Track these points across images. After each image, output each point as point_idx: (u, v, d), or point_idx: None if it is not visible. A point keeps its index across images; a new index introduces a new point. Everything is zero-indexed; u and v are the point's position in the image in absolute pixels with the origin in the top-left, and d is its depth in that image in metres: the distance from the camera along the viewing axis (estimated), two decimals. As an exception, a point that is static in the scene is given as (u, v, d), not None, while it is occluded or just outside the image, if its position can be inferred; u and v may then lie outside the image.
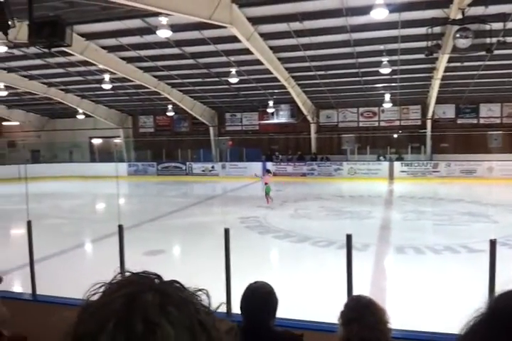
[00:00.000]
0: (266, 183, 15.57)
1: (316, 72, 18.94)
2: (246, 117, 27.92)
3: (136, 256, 6.73)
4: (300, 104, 23.33)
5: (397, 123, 25.33)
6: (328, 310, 2.82)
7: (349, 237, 3.28)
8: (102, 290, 0.66)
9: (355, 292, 3.18)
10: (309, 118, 25.35)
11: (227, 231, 3.70)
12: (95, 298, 0.65)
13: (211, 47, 16.32)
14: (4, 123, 29.59)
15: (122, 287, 0.64)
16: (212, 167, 26.33)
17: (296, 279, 6.90)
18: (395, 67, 17.18)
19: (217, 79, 20.55)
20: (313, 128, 25.87)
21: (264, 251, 9.65)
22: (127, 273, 0.69)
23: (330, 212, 13.62)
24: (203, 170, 26.38)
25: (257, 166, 24.82)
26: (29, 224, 4.45)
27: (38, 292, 4.47)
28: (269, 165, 25.02)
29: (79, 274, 7.35)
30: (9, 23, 6.66)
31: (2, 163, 27.24)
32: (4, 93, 21.82)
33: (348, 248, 3.29)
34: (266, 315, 2.11)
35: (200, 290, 0.68)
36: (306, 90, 22.38)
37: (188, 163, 26.83)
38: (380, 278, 7.26)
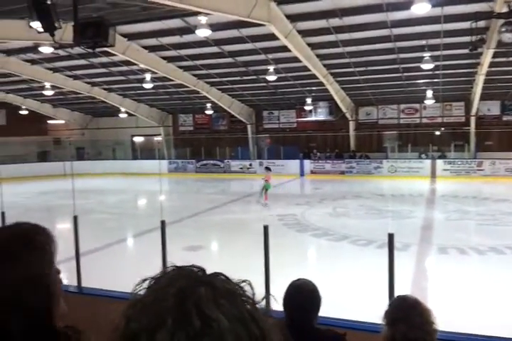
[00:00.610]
0: (266, 180, 15.32)
1: (356, 68, 18.66)
2: (283, 115, 27.85)
3: (177, 251, 6.86)
4: (338, 101, 23.05)
5: (439, 120, 24.60)
6: (369, 310, 2.79)
7: (391, 236, 3.23)
8: (149, 285, 0.66)
9: (396, 292, 3.13)
10: (348, 115, 25.01)
11: (266, 229, 3.71)
12: (143, 293, 0.65)
13: (249, 46, 16.37)
14: (50, 121, 30.72)
15: (172, 281, 0.64)
16: (250, 164, 26.42)
17: (334, 278, 6.84)
18: (438, 63, 16.68)
19: (255, 77, 20.60)
20: (352, 125, 25.52)
21: (302, 249, 9.63)
22: (171, 267, 0.69)
23: (369, 211, 13.42)
24: (241, 168, 26.52)
25: (294, 164, 24.77)
26: (75, 218, 4.63)
27: (84, 284, 4.63)
28: (307, 163, 24.89)
29: (122, 268, 7.57)
30: (55, 24, 6.91)
31: (48, 160, 28.41)
32: (50, 92, 22.62)
33: (389, 247, 3.24)
34: (309, 313, 2.11)
35: (243, 281, 0.68)
36: (344, 87, 22.09)
37: (226, 161, 27.05)
38: (422, 278, 7.11)
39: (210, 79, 21.45)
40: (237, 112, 26.39)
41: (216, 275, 0.68)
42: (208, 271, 0.70)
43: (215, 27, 13.39)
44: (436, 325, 1.80)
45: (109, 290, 4.26)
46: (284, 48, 15.34)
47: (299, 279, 2.25)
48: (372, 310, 2.69)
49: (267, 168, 16.56)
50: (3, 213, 5.42)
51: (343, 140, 25.85)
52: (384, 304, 2.02)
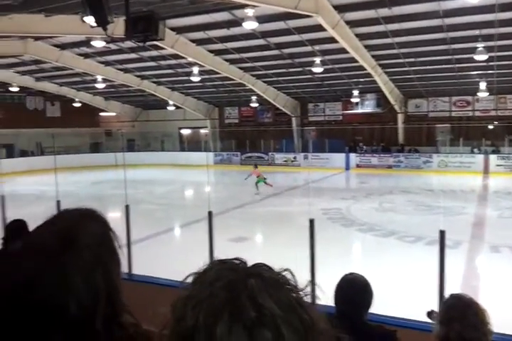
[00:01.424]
0: (258, 176, 16.22)
1: (405, 59, 18.12)
2: (329, 107, 27.49)
3: (222, 241, 6.95)
4: (387, 93, 22.49)
5: (493, 113, 23.50)
6: (418, 308, 2.73)
7: (442, 233, 3.14)
8: (196, 279, 0.67)
9: (447, 290, 3.05)
10: (397, 107, 24.35)
11: (312, 222, 3.70)
12: (192, 288, 0.66)
13: (296, 37, 16.23)
14: (102, 113, 31.79)
15: (220, 275, 0.65)
16: (295, 157, 26.32)
17: (381, 274, 6.72)
18: (492, 54, 15.90)
19: (300, 69, 20.43)
20: (400, 118, 24.84)
21: (347, 243, 9.53)
22: (215, 261, 0.70)
23: (418, 207, 13.06)
24: (285, 161, 26.46)
25: (339, 157, 24.43)
26: (127, 208, 4.79)
27: (134, 272, 4.80)
28: (353, 156, 24.49)
29: (169, 256, 7.78)
30: (108, 18, 7.11)
31: (100, 151, 29.54)
32: (102, 85, 23.37)
33: (440, 244, 3.15)
34: (360, 308, 2.09)
35: (285, 270, 0.68)
36: (393, 78, 21.50)
37: (270, 153, 27.07)
38: (472, 277, 6.87)
39: (256, 71, 21.47)
40: (282, 105, 26.31)
41: (260, 266, 0.69)
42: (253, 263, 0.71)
43: (261, 19, 13.37)
44: (491, 326, 1.75)
45: (157, 278, 4.40)
46: (331, 39, 15.11)
47: (351, 273, 2.24)
48: (421, 308, 2.63)
49: (255, 165, 17.57)
50: (58, 202, 5.68)
51: (391, 133, 25.22)
52: (433, 302, 1.97)
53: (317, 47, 17.27)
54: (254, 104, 27.22)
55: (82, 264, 0.97)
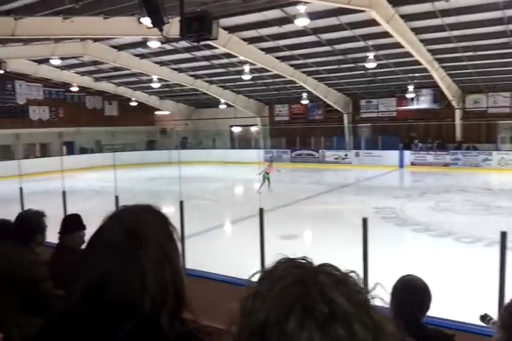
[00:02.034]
0: (267, 173, 15.97)
1: (463, 53, 17.37)
2: (383, 103, 26.83)
3: (272, 238, 6.99)
4: (444, 89, 21.66)
5: (558, 108, 22.09)
6: (477, 312, 2.64)
7: (504, 235, 3.01)
8: (264, 276, 0.67)
9: (507, 295, 2.92)
10: (454, 103, 23.40)
11: (365, 221, 3.65)
12: (260, 284, 0.66)
13: (348, 33, 15.98)
14: (157, 112, 32.75)
15: (289, 272, 0.65)
16: (346, 155, 25.94)
17: (437, 276, 6.52)
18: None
19: (353, 65, 20.09)
20: (458, 114, 23.85)
21: (401, 243, 9.31)
22: (282, 259, 0.70)
23: (476, 206, 12.53)
24: (336, 158, 26.13)
25: (393, 155, 23.83)
26: (181, 204, 4.93)
27: (187, 266, 4.92)
28: (407, 153, 23.80)
29: (221, 252, 7.92)
30: (163, 19, 7.30)
31: (155, 149, 30.51)
32: (157, 85, 24.06)
33: (501, 246, 3.02)
34: (418, 310, 2.04)
35: (351, 271, 0.68)
36: (451, 73, 20.68)
37: (320, 151, 26.82)
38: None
39: (307, 68, 21.32)
40: (333, 101, 25.98)
41: (327, 265, 0.68)
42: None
43: (313, 16, 13.27)
44: None
45: (210, 272, 4.49)
46: (385, 34, 14.75)
47: (409, 275, 2.19)
48: (480, 312, 2.54)
49: (271, 161, 17.09)
50: (117, 197, 5.93)
51: (448, 130, 24.28)
52: (493, 306, 1.90)
53: (370, 42, 16.92)
54: (305, 101, 27.06)
55: (153, 260, 0.98)
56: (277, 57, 19.66)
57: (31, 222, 3.27)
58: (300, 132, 28.31)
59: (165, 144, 30.63)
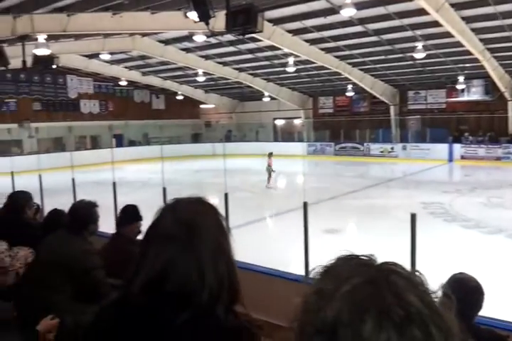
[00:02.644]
0: (269, 165, 16.01)
1: (518, 42, 16.52)
2: (431, 95, 25.96)
3: (315, 232, 6.96)
4: (496, 80, 20.68)
5: None
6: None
7: (561, 232, 2.85)
8: (328, 273, 0.66)
9: None
10: (507, 94, 22.31)
11: (413, 217, 3.56)
12: (323, 281, 0.65)
13: (396, 22, 15.53)
14: (202, 106, 33.19)
15: (358, 270, 0.63)
16: (392, 148, 25.33)
17: (488, 274, 6.30)
18: None
19: (401, 55, 19.53)
20: (511, 106, 22.75)
21: (450, 240, 9.01)
22: (345, 255, 0.68)
23: (530, 202, 11.97)
24: (382, 151, 25.59)
25: (442, 148, 23.07)
26: (226, 196, 5.01)
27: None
28: (457, 147, 22.97)
29: (263, 244, 7.97)
30: (210, 13, 7.38)
31: (200, 141, 31.02)
32: (202, 78, 24.37)
33: (559, 244, 2.87)
34: (470, 309, 1.98)
35: (415, 271, 0.66)
36: (503, 63, 19.71)
37: (365, 144, 26.34)
38: None
39: (353, 59, 20.94)
40: (379, 93, 25.40)
41: (392, 263, 0.66)
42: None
43: (360, 6, 12.99)
44: None
45: (253, 264, 4.53)
46: (435, 23, 14.24)
47: (461, 273, 2.13)
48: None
49: (270, 154, 16.81)
50: (164, 189, 6.09)
51: (500, 122, 23.20)
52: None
53: (419, 32, 16.38)
54: (350, 93, 26.59)
55: (210, 252, 1.00)
56: (322, 49, 19.40)
57: (84, 212, 3.36)
58: (344, 125, 27.88)
59: (209, 137, 31.08)
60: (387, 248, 6.83)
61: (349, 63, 21.58)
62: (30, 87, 25.15)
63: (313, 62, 20.34)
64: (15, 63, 12.35)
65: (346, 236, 9.37)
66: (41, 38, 12.11)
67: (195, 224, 1.02)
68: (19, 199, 3.87)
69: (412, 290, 0.60)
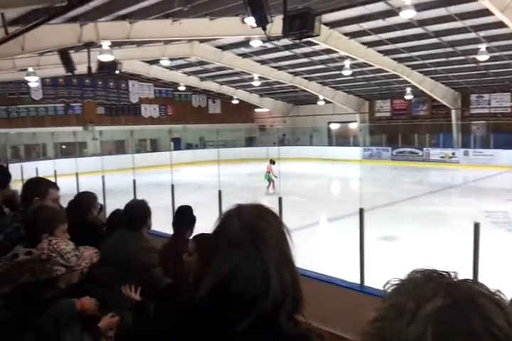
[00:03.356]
0: (268, 172, 15.87)
1: None
2: (495, 98, 24.71)
3: (370, 239, 6.82)
4: None
5: None
6: None
7: None
8: (406, 288, 0.62)
9: None
10: None
11: (477, 227, 3.39)
12: (400, 297, 0.61)
13: (458, 24, 14.94)
14: (256, 110, 33.49)
15: (442, 290, 0.59)
16: (453, 153, 24.36)
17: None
18: None
19: (463, 57, 18.77)
20: None
21: (513, 250, 8.54)
22: (424, 270, 0.65)
23: None
24: (442, 157, 24.67)
25: (508, 154, 21.88)
26: (280, 200, 5.02)
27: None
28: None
29: (316, 249, 7.91)
30: (267, 18, 7.43)
31: (254, 145, 31.32)
32: (258, 83, 24.59)
33: None
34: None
35: (497, 291, 0.61)
36: None
37: (425, 149, 25.48)
38: None
39: (412, 62, 20.36)
40: (440, 96, 24.51)
41: (476, 283, 0.63)
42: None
43: (420, 7, 12.62)
44: None
45: (309, 271, 4.50)
46: (499, 24, 13.55)
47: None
48: None
49: (272, 161, 16.55)
50: (220, 191, 6.20)
51: None
52: None
53: (482, 34, 15.68)
54: (409, 96, 25.83)
55: (274, 258, 0.99)
56: (380, 51, 19.02)
57: (140, 210, 3.47)
58: (402, 129, 27.11)
59: (263, 141, 31.28)
60: (447, 258, 6.57)
61: (408, 65, 21.01)
62: (95, 91, 26.49)
63: (371, 65, 19.97)
64: (81, 69, 13.05)
65: (403, 245, 9.09)
66: (105, 44, 12.71)
67: (260, 231, 1.02)
68: (85, 199, 4.07)
69: (501, 314, 0.57)
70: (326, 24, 15.27)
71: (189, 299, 1.04)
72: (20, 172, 10.37)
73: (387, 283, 0.65)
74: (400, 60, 20.25)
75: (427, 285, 0.61)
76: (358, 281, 4.10)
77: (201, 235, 2.83)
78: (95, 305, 2.43)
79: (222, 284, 0.97)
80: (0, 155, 21.47)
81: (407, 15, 12.70)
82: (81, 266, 2.20)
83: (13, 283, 2.13)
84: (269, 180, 15.95)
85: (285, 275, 0.99)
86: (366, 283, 4.06)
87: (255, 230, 1.02)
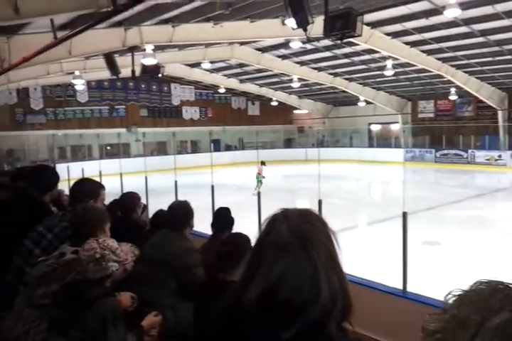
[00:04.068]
0: (259, 174, 16.14)
1: None
2: (547, 99, 23.64)
3: (413, 244, 6.66)
4: None
5: None
6: None
7: None
8: (467, 299, 0.60)
9: None
10: None
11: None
12: (463, 307, 0.59)
13: (505, 22, 14.39)
14: (295, 111, 33.39)
15: (507, 303, 0.58)
16: (499, 156, 23.45)
17: None
18: None
19: (510, 56, 18.06)
20: None
21: None
22: (489, 282, 0.62)
23: None
24: (488, 159, 23.79)
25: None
26: (320, 202, 4.98)
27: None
28: None
29: (357, 254, 7.78)
30: (308, 19, 7.39)
31: (292, 147, 31.25)
32: (297, 85, 24.48)
33: None
34: None
35: None
36: None
37: (470, 151, 24.66)
38: None
39: (456, 61, 19.76)
40: (486, 97, 23.66)
41: None
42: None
43: (465, 6, 12.23)
44: None
45: (351, 275, 4.44)
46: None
47: None
48: None
49: (262, 163, 16.82)
50: (259, 193, 6.24)
51: None
52: None
53: (532, 32, 15.04)
54: (453, 97, 25.08)
55: (323, 264, 0.96)
56: (423, 51, 18.56)
57: (183, 211, 3.53)
58: (446, 130, 26.34)
59: (302, 142, 31.17)
60: (493, 263, 6.34)
61: (452, 65, 20.41)
62: (138, 94, 27.22)
63: (413, 65, 19.53)
64: (125, 72, 13.41)
65: (446, 249, 8.81)
66: (149, 48, 13.01)
67: (308, 235, 1.00)
68: (130, 199, 4.19)
69: None
70: (367, 24, 15.05)
71: (235, 303, 1.02)
72: (67, 173, 10.74)
73: (448, 293, 0.63)
74: (444, 60, 19.70)
75: (493, 298, 0.59)
76: (400, 286, 4.01)
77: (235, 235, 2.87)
78: (132, 301, 2.48)
79: (270, 289, 0.96)
80: (47, 156, 22.36)
81: (451, 14, 12.33)
82: (128, 260, 2.26)
83: (61, 282, 2.20)
84: (259, 181, 16.15)
85: (334, 281, 0.97)
86: (409, 289, 3.96)
87: (303, 234, 1.00)
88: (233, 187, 16.69)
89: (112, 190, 5.46)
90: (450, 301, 0.62)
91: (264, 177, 16.14)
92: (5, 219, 3.06)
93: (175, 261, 3.22)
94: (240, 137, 30.41)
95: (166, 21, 12.80)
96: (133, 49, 12.74)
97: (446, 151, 25.61)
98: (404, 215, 4.14)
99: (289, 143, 32.66)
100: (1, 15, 6.15)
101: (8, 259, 2.75)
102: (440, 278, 6.46)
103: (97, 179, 5.82)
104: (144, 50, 13.11)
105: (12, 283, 2.66)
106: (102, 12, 6.03)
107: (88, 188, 3.03)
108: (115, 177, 10.00)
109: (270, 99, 30.27)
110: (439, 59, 19.57)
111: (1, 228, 3.01)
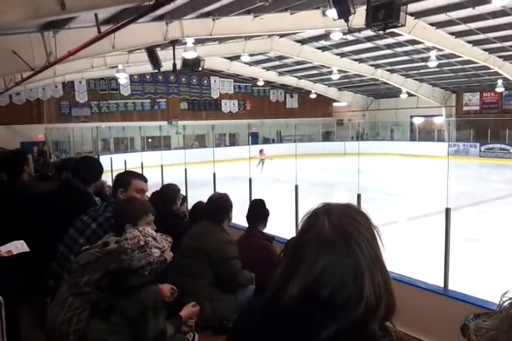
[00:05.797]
0: (262, 159, 19.54)
1: None
2: None
3: (455, 240, 6.47)
4: None
5: None
6: None
7: None
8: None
9: None
10: None
11: None
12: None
13: (557, 10, 13.65)
14: (334, 104, 32.95)
15: None
16: (551, 151, 22.39)
17: None
18: None
19: (562, 46, 17.15)
20: None
21: None
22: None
23: None
24: (537, 154, 22.78)
25: None
26: (359, 197, 4.93)
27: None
28: None
29: (397, 250, 7.64)
30: (350, 9, 7.25)
31: (331, 140, 30.90)
32: (337, 76, 24.13)
33: None
34: None
35: None
36: None
37: (517, 145, 23.69)
38: None
39: (504, 52, 18.95)
40: (536, 89, 22.59)
41: None
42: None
43: (516, -7, 11.67)
44: None
45: (393, 273, 4.37)
46: None
47: None
48: None
49: (261, 151, 20.06)
50: (296, 186, 6.22)
51: None
52: None
53: None
54: (500, 89, 24.09)
55: (367, 261, 0.93)
56: (469, 42, 17.88)
57: (222, 203, 3.58)
58: (492, 124, 25.36)
59: (341, 135, 30.74)
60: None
61: (500, 56, 19.58)
62: (179, 87, 27.62)
63: (459, 56, 18.86)
64: (166, 66, 13.60)
65: (490, 247, 8.52)
66: (189, 41, 13.12)
67: (351, 230, 0.97)
68: (170, 191, 4.28)
69: None
70: (411, 14, 14.58)
71: (274, 299, 1.00)
72: (110, 164, 11.05)
73: (505, 293, 0.63)
74: (491, 51, 18.93)
75: None
76: (441, 284, 3.92)
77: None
78: (172, 292, 2.53)
79: (311, 285, 0.94)
80: (92, 148, 23.08)
81: (500, 2, 11.80)
82: (165, 247, 2.32)
83: (103, 270, 2.28)
84: (262, 163, 19.23)
85: (378, 279, 0.94)
86: (450, 287, 3.87)
87: (346, 230, 0.97)
88: (269, 180, 16.71)
89: (153, 181, 5.59)
90: (505, 303, 0.63)
91: (263, 161, 19.18)
92: (51, 208, 3.18)
93: (212, 253, 3.26)
94: (278, 130, 30.33)
95: (207, 15, 12.85)
96: (174, 42, 12.88)
97: (491, 145, 24.70)
98: (448, 211, 4.04)
99: (327, 136, 32.27)
100: (49, 10, 6.36)
101: (53, 248, 2.86)
102: (482, 276, 6.27)
103: (139, 170, 5.94)
104: (185, 43, 13.24)
105: (57, 271, 2.77)
106: (144, 6, 6.13)
107: (122, 179, 3.13)
108: (156, 169, 10.20)
109: (309, 92, 29.97)
110: (485, 50, 18.83)
111: (47, 217, 3.14)
